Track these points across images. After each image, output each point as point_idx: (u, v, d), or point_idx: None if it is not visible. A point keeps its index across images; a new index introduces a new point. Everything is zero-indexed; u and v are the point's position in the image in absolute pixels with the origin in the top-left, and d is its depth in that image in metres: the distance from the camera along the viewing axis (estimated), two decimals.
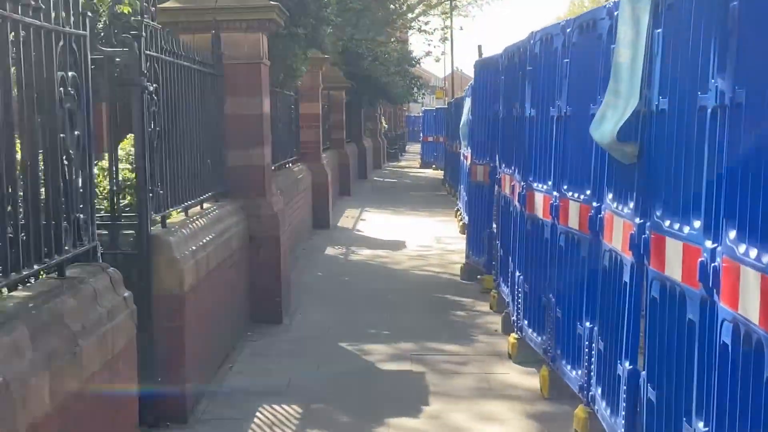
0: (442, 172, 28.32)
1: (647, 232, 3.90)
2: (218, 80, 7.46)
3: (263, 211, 7.73)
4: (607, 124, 4.32)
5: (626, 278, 4.21)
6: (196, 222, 6.07)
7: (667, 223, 3.67)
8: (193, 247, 5.64)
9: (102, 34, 5.13)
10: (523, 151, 6.68)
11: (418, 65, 29.23)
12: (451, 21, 27.06)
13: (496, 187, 8.62)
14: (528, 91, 6.53)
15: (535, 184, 6.25)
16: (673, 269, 3.59)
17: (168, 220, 5.71)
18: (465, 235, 13.24)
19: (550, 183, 5.84)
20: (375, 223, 15.43)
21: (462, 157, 15.47)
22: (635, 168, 4.15)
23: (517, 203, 6.91)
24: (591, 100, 5.01)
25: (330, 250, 12.08)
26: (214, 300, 6.16)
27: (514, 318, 6.79)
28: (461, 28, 54.24)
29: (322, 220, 14.50)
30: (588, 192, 5.04)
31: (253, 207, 7.69)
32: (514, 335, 6.67)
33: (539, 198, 6.09)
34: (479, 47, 24.68)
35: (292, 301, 8.44)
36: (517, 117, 7.26)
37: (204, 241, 5.97)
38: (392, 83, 25.91)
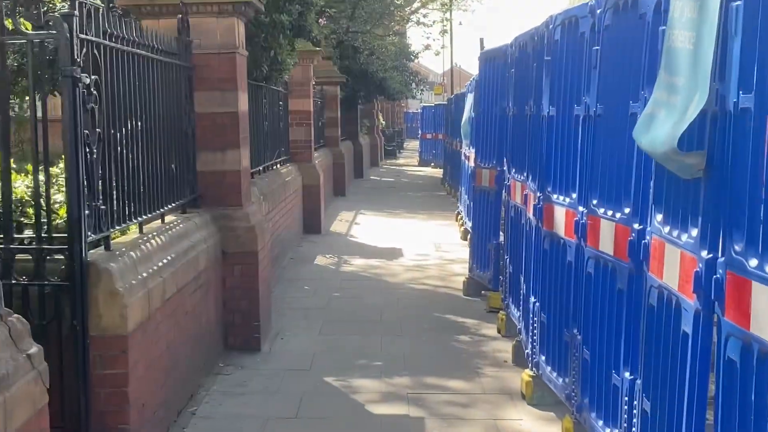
0: (441, 170, 27.43)
1: (721, 271, 2.93)
2: (186, 72, 6.49)
3: (239, 222, 6.75)
4: (660, 128, 3.34)
5: (687, 327, 3.23)
6: (153, 240, 5.09)
7: (754, 262, 2.70)
8: (145, 274, 4.66)
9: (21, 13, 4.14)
10: (539, 156, 5.70)
11: (416, 60, 28.21)
12: (450, 13, 26.02)
13: (505, 194, 7.65)
14: (546, 85, 5.55)
15: (554, 196, 5.27)
16: (764, 325, 2.62)
17: (116, 240, 4.75)
18: (467, 242, 12.29)
19: (574, 195, 4.87)
20: (370, 227, 14.46)
21: (463, 157, 14.51)
22: (700, 184, 3.17)
23: (531, 216, 5.94)
24: (631, 96, 4.05)
25: (320, 260, 11.10)
26: (173, 334, 5.19)
27: (528, 351, 5.82)
28: (460, 23, 53.19)
29: (313, 225, 13.53)
30: (627, 210, 4.07)
31: (227, 218, 6.71)
32: (528, 372, 5.69)
33: (560, 213, 5.12)
34: (481, 40, 23.69)
35: (273, 323, 7.46)
36: (530, 116, 6.29)
37: (161, 263, 4.99)
38: (390, 78, 24.91)
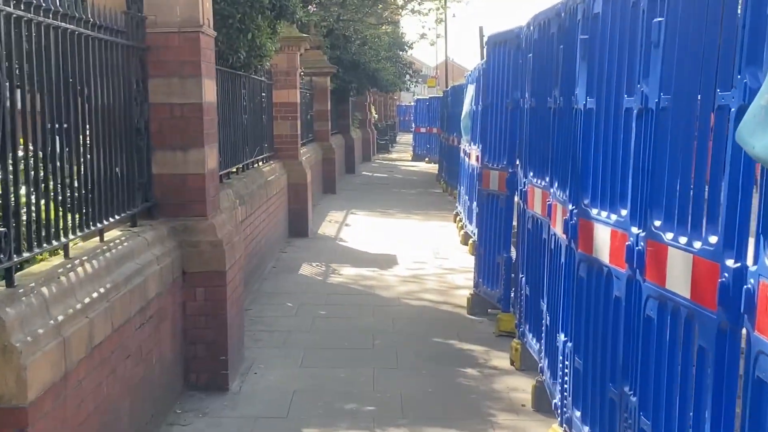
0: (437, 166, 26.33)
1: None
2: (137, 55, 5.35)
3: (203, 236, 5.61)
4: None
5: None
6: (80, 268, 3.96)
7: None
8: (61, 317, 3.52)
9: None
10: (571, 160, 4.58)
11: (410, 51, 27.05)
12: (446, 1, 24.83)
13: (519, 200, 6.54)
14: (581, 71, 4.42)
15: (594, 211, 4.15)
16: None
17: (27, 271, 3.62)
18: (468, 248, 11.20)
19: (624, 212, 3.75)
20: (362, 229, 13.33)
21: (462, 153, 13.41)
22: None
23: (559, 233, 4.82)
24: (720, 83, 2.93)
25: (306, 269, 9.97)
26: (107, 387, 4.05)
27: (557, 402, 4.71)
28: (454, 16, 51.96)
29: (299, 228, 12.39)
30: (712, 239, 2.96)
31: (188, 231, 5.58)
32: (558, 430, 4.58)
33: (603, 233, 4.00)
34: (480, 28, 22.59)
35: (246, 353, 6.34)
36: (555, 109, 5.18)
37: (89, 299, 3.86)
38: (383, 69, 23.75)
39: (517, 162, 6.87)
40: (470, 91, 12.22)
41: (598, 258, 4.06)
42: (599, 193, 4.13)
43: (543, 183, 5.53)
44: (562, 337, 4.63)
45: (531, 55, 6.03)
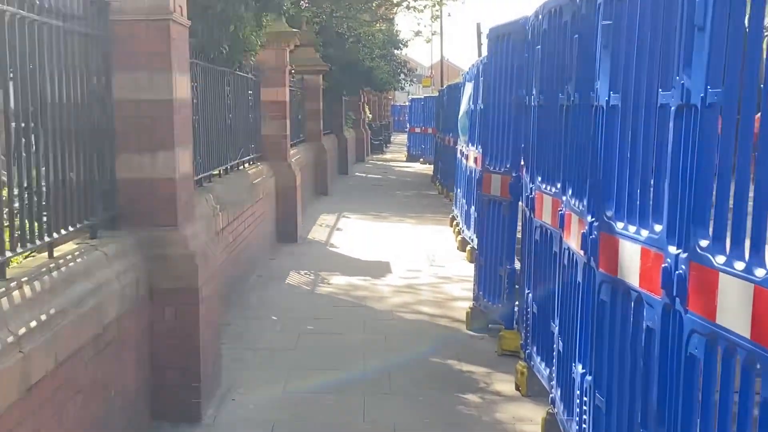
0: (431, 166, 25.75)
1: None
2: (100, 45, 4.76)
3: (174, 249, 5.01)
4: None
5: None
6: (17, 292, 3.36)
7: None
8: None
9: None
10: (590, 165, 3.99)
11: (404, 49, 26.46)
12: None
13: (524, 208, 5.96)
14: (604, 63, 3.83)
15: (619, 225, 3.57)
16: None
17: None
18: (465, 254, 10.62)
19: (658, 228, 3.17)
20: (354, 234, 12.73)
21: (459, 155, 12.84)
22: None
23: (575, 246, 4.24)
24: None
25: (293, 278, 9.37)
26: None
27: None
28: (449, 15, 51.35)
29: (288, 232, 11.78)
30: None
31: (157, 243, 4.98)
32: None
33: (631, 251, 3.41)
34: (478, 25, 22.02)
35: (225, 375, 5.74)
36: (569, 107, 4.60)
37: (24, 329, 3.26)
38: (377, 68, 23.14)
39: (522, 165, 6.29)
40: (468, 89, 11.65)
41: (625, 280, 3.48)
42: (625, 204, 3.55)
43: (554, 189, 4.95)
44: (579, 368, 4.04)
45: (539, 47, 5.45)
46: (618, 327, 3.59)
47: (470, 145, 11.07)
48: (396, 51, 25.72)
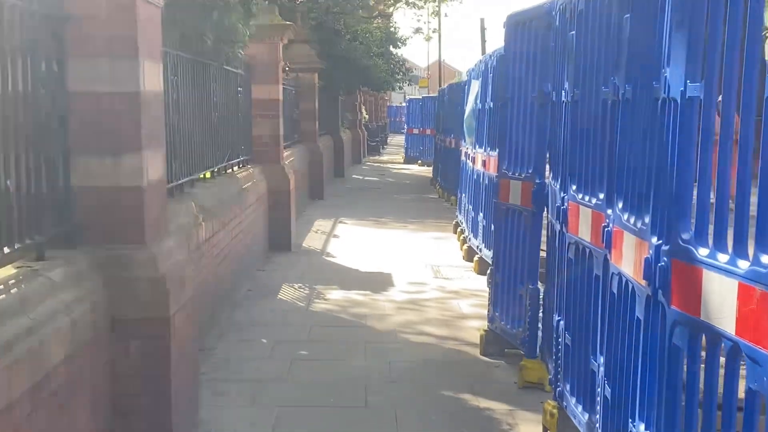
0: (430, 168, 24.96)
1: None
2: (51, 26, 3.95)
3: (140, 270, 4.20)
4: None
5: None
6: None
7: None
8: None
9: None
10: (655, 173, 3.18)
11: (402, 47, 25.62)
12: None
13: (553, 221, 5.15)
14: (677, 47, 3.01)
15: (702, 252, 2.75)
16: None
17: None
18: (473, 265, 9.81)
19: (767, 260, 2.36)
20: (352, 241, 11.92)
21: (464, 157, 12.03)
22: None
23: (631, 273, 3.42)
24: None
25: (286, 292, 8.55)
26: None
27: None
28: (446, 15, 50.61)
29: (281, 241, 10.96)
30: None
31: (120, 264, 4.16)
32: None
33: (723, 287, 2.59)
34: (482, 20, 21.48)
35: (203, 414, 4.92)
36: (617, 102, 3.79)
37: None
38: (375, 66, 22.34)
39: (548, 171, 5.49)
40: (474, 87, 10.85)
41: (713, 324, 2.67)
42: (711, 226, 2.74)
43: (594, 201, 4.14)
44: (642, 428, 3.23)
45: (573, 32, 4.64)
46: (700, 381, 2.78)
47: (477, 147, 10.28)
48: (394, 50, 24.86)
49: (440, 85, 36.20)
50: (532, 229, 5.72)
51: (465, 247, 10.68)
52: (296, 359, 6.21)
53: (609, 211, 3.87)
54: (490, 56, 9.70)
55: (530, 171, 5.79)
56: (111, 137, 4.15)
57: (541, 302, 5.70)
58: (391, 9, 25.25)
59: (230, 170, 9.07)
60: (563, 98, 4.89)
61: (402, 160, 30.86)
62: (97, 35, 4.11)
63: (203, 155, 7.63)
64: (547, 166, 5.64)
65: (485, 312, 7.48)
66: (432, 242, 11.97)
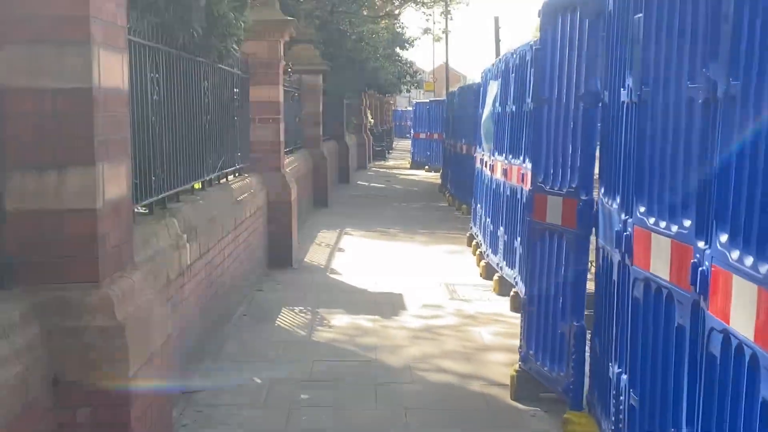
0: (438, 174, 24.05)
1: None
2: None
3: (90, 318, 3.27)
4: None
5: None
6: None
7: None
8: None
9: None
10: None
11: (410, 48, 24.62)
12: None
13: (608, 248, 4.22)
14: None
15: None
16: None
17: None
18: (492, 285, 8.88)
19: None
20: (358, 255, 10.99)
21: (479, 164, 11.10)
22: None
23: (746, 334, 2.49)
24: None
25: (286, 317, 7.61)
26: None
27: None
28: (451, 18, 49.68)
29: (281, 256, 10.04)
30: None
31: (64, 309, 3.24)
32: None
33: None
34: (496, 19, 20.93)
35: None
36: (714, 100, 2.87)
37: None
38: (382, 69, 21.41)
39: (598, 186, 4.56)
40: (492, 89, 9.92)
41: None
42: None
43: (676, 228, 3.22)
44: None
45: (639, 16, 3.71)
46: None
47: (497, 154, 9.35)
48: (401, 51, 23.94)
49: (446, 89, 35.26)
50: (576, 255, 4.78)
51: (482, 263, 9.74)
52: (295, 405, 5.27)
53: (701, 244, 2.95)
54: (512, 54, 8.78)
55: (574, 185, 4.85)
56: (54, 146, 3.24)
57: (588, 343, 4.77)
58: (398, 11, 24.36)
59: (224, 180, 8.15)
60: (623, 98, 3.96)
61: (408, 166, 29.97)
62: (38, 15, 3.20)
63: (192, 164, 6.71)
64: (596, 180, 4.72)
65: (511, 343, 6.58)
66: (445, 257, 11.03)
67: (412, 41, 22.75)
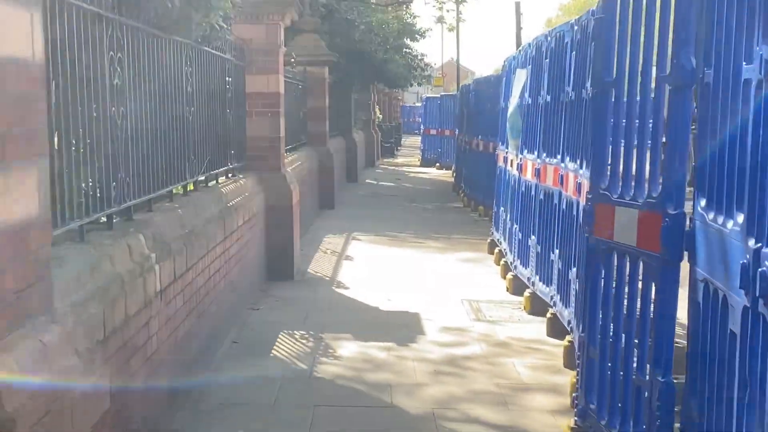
0: (450, 172, 22.93)
1: None
2: None
3: None
4: None
5: None
6: None
7: None
8: None
9: None
10: None
11: (420, 40, 23.39)
12: None
13: (723, 288, 3.06)
14: None
15: None
16: None
17: None
18: (523, 302, 7.74)
19: None
20: (367, 265, 9.85)
21: (503, 162, 9.93)
22: None
23: None
24: None
25: (283, 344, 6.47)
26: None
27: None
28: (465, 1, 48.33)
29: (282, 267, 8.90)
30: None
31: None
32: None
33: None
34: (517, 5, 19.73)
35: None
36: None
37: None
38: (391, 61, 20.23)
39: (694, 196, 3.40)
40: (520, 78, 8.76)
41: None
42: None
43: None
44: None
45: None
46: None
47: (526, 151, 8.20)
48: (411, 43, 22.74)
49: (457, 82, 34.06)
50: (661, 289, 3.61)
51: (509, 276, 8.58)
52: None
53: None
54: (546, 36, 7.63)
55: (656, 194, 3.68)
56: None
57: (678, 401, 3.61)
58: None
59: (211, 183, 7.00)
60: (749, 75, 2.80)
61: (418, 163, 28.83)
62: None
63: (170, 164, 5.57)
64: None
65: (555, 381, 5.46)
66: (464, 267, 9.88)
67: (424, 32, 21.55)
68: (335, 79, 17.57)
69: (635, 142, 3.91)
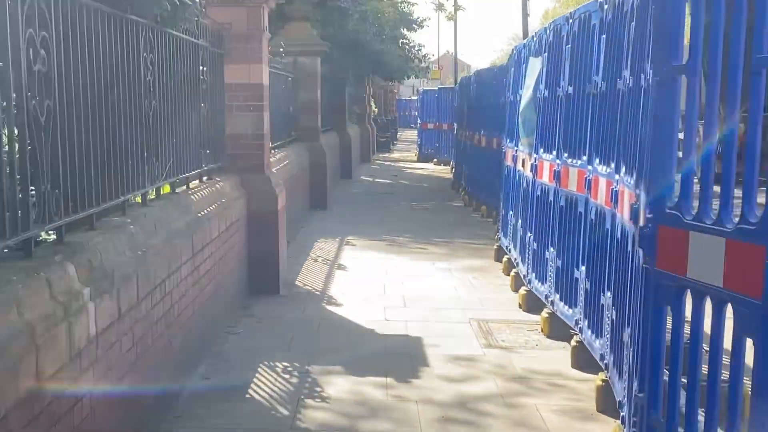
0: (448, 168, 22.00)
1: None
2: None
3: None
4: None
5: None
6: None
7: None
8: None
9: None
10: None
11: (418, 29, 22.38)
12: None
13: None
14: None
15: None
16: None
17: None
18: (540, 322, 6.76)
19: None
20: (362, 276, 8.86)
21: (512, 162, 8.95)
22: None
23: None
24: None
25: (263, 380, 5.47)
26: None
27: None
28: (460, 8, 47.25)
29: (265, 280, 7.90)
30: None
31: None
32: None
33: None
34: None
35: None
36: None
37: None
38: (387, 52, 19.22)
39: None
40: (534, 67, 7.78)
41: None
42: None
43: None
44: None
45: None
46: None
47: (542, 150, 7.22)
48: (408, 33, 21.72)
49: (455, 74, 33.05)
50: (765, 349, 2.63)
51: (522, 291, 7.60)
52: None
53: None
54: (567, 20, 6.65)
55: (754, 220, 2.69)
56: None
57: None
58: None
59: (181, 189, 6.01)
60: None
61: (415, 158, 27.91)
62: None
63: (121, 169, 4.57)
64: None
65: (586, 429, 4.48)
66: (469, 277, 8.89)
67: (422, 22, 20.53)
68: (328, 71, 16.58)
69: (718, 147, 2.93)
